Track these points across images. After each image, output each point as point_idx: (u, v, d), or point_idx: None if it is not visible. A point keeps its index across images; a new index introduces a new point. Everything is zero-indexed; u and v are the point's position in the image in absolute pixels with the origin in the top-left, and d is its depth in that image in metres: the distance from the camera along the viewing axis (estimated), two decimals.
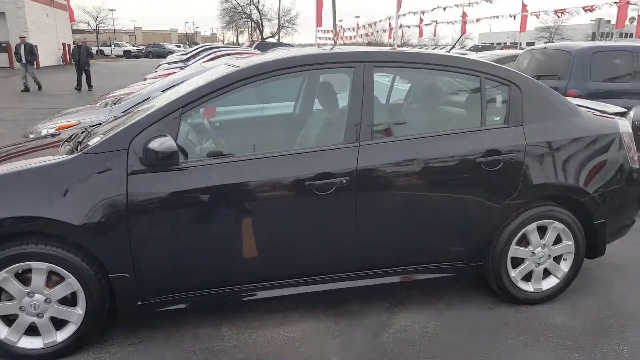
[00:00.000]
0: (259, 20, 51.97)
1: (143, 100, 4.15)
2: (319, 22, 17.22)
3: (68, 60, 27.86)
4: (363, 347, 2.45)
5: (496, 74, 2.73)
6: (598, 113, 3.09)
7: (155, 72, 11.81)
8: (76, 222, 2.14)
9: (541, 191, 2.72)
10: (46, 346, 2.30)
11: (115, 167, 2.20)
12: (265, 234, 2.40)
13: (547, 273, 2.86)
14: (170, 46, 49.32)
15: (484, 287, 2.92)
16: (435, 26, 24.87)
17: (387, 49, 3.24)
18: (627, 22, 20.65)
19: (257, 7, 51.52)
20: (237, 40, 58.74)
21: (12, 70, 14.58)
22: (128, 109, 3.88)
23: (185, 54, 16.08)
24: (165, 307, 2.40)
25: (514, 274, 2.78)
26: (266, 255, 2.44)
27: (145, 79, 9.11)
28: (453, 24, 21.17)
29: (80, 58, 14.52)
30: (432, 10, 20.05)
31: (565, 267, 2.85)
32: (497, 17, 19.14)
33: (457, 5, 19.43)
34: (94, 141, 2.34)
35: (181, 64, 11.77)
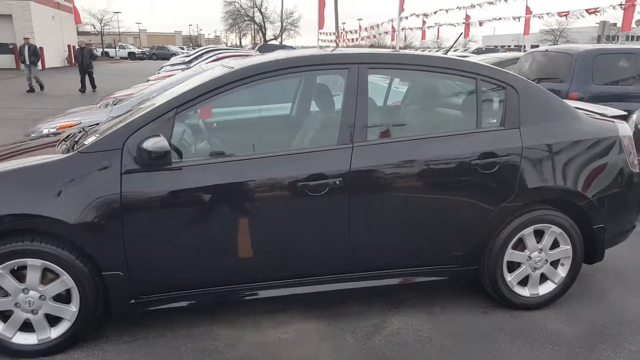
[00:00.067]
0: (262, 23, 52.10)
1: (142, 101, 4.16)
2: (321, 25, 17.23)
3: (73, 62, 28.10)
4: (355, 350, 2.45)
5: (492, 76, 2.72)
6: (597, 116, 3.07)
7: (158, 73, 11.86)
8: (70, 220, 2.15)
9: (538, 195, 2.70)
10: (40, 342, 2.31)
11: (109, 166, 2.21)
12: (258, 234, 2.40)
13: (544, 278, 2.84)
14: (174, 48, 49.51)
15: (480, 291, 2.91)
16: (439, 29, 24.82)
17: (382, 50, 3.22)
18: (633, 25, 20.53)
19: (260, 10, 51.70)
20: (240, 42, 58.88)
21: (18, 72, 14.74)
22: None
23: (188, 56, 16.14)
24: (158, 306, 2.40)
25: (509, 278, 2.76)
26: (258, 256, 2.44)
27: (148, 81, 9.14)
28: (455, 25, 21.13)
29: (83, 60, 14.61)
30: (434, 13, 20.03)
31: (562, 272, 2.84)
32: (499, 19, 19.09)
33: (459, 8, 19.40)
34: (89, 140, 2.35)
35: (183, 66, 11.81)
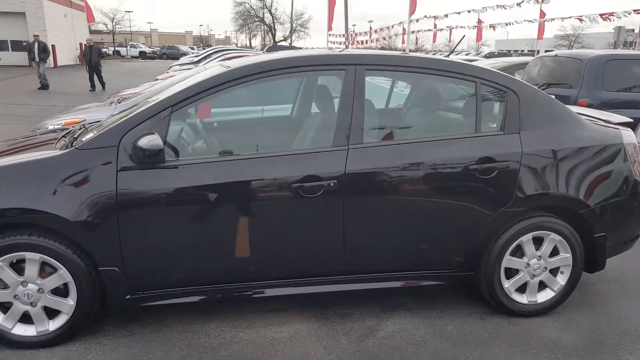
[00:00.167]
0: (272, 24, 52.28)
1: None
2: (330, 26, 17.25)
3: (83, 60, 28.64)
4: (348, 351, 2.45)
5: (493, 79, 2.70)
6: (602, 123, 3.04)
7: (167, 73, 11.97)
8: (67, 216, 2.18)
9: (537, 201, 2.68)
10: (39, 334, 2.36)
11: (105, 163, 2.24)
12: (251, 234, 2.41)
13: (542, 285, 2.81)
14: (184, 48, 49.78)
15: (478, 297, 2.89)
16: (450, 31, 24.63)
17: (381, 52, 3.21)
18: None
19: (269, 11, 51.91)
20: (250, 43, 59.13)
21: (31, 69, 14.96)
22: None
23: (197, 56, 16.26)
24: (153, 302, 2.43)
25: (507, 284, 2.74)
26: (252, 255, 2.45)
27: (157, 80, 9.22)
28: (464, 27, 20.93)
29: (91, 58, 14.66)
30: (445, 16, 19.88)
31: (562, 280, 2.81)
32: (511, 23, 18.88)
33: (469, 11, 19.23)
34: (86, 137, 2.39)
35: (192, 66, 11.91)
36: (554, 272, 2.81)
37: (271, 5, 52.03)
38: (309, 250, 2.51)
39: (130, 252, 2.30)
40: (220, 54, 13.06)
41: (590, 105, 5.61)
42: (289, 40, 49.95)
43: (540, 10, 19.53)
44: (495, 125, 2.74)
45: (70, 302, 2.33)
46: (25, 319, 2.34)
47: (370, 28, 30.84)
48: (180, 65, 14.35)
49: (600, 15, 15.16)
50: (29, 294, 2.28)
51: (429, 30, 25.38)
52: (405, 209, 2.54)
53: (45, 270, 2.28)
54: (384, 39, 28.51)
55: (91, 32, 36.56)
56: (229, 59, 9.79)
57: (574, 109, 3.16)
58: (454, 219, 2.60)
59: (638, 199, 2.87)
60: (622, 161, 2.81)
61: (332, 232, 2.48)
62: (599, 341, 2.60)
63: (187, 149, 2.63)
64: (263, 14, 52.41)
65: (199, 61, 13.38)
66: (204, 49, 36.38)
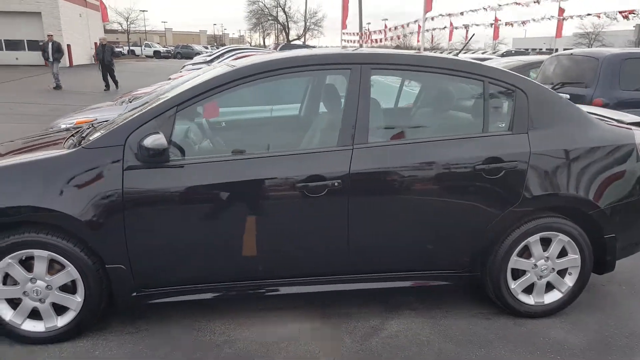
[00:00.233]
0: (285, 23, 52.33)
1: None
2: (344, 25, 17.21)
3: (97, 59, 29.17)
4: (351, 350, 2.45)
5: (501, 78, 2.66)
6: (614, 123, 2.98)
7: (180, 72, 12.09)
8: (74, 214, 2.22)
9: (545, 202, 2.64)
10: (47, 330, 2.41)
11: (111, 162, 2.27)
12: (256, 233, 2.42)
13: (550, 286, 2.77)
14: (198, 47, 50.11)
15: (484, 297, 2.86)
16: (467, 29, 24.38)
17: (388, 50, 3.19)
18: None
19: (283, 9, 51.97)
20: (264, 42, 59.27)
21: (47, 68, 15.22)
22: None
23: (210, 55, 16.36)
24: (159, 299, 2.46)
25: (514, 285, 2.71)
26: (256, 254, 2.47)
27: (169, 79, 9.32)
28: (479, 25, 20.69)
29: (104, 57, 14.74)
30: (460, 13, 19.67)
31: (570, 281, 2.76)
32: (529, 21, 18.62)
33: (485, 9, 19.01)
34: (94, 136, 2.42)
35: (204, 65, 12.00)
36: (562, 273, 2.76)
37: (285, 4, 52.21)
38: (313, 250, 2.52)
39: (137, 250, 2.33)
40: (232, 53, 13.12)
41: (606, 105, 5.51)
42: (302, 39, 49.97)
43: (559, 7, 19.21)
44: (503, 125, 2.71)
45: (78, 299, 2.37)
46: (34, 315, 2.39)
47: (385, 26, 30.66)
48: (193, 64, 14.45)
49: (620, 12, 14.82)
50: (38, 291, 2.33)
51: (444, 28, 25.18)
52: (410, 209, 2.53)
53: (53, 267, 2.33)
54: (399, 37, 28.33)
55: (106, 31, 37.08)
56: (241, 58, 9.88)
57: (586, 108, 3.11)
58: (459, 219, 2.58)
59: None
60: (635, 161, 2.76)
61: (336, 232, 2.48)
62: (606, 343, 2.56)
63: (193, 148, 2.66)
64: (277, 12, 52.56)
65: (211, 60, 13.47)
66: (217, 48, 36.65)
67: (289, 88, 3.69)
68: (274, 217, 2.43)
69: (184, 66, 15.44)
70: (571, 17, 18.27)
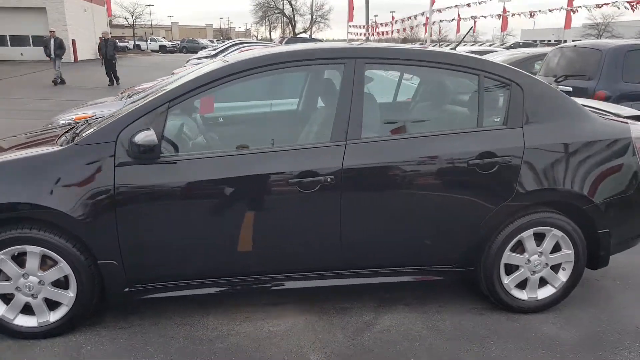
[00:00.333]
0: (292, 16, 52.10)
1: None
2: (350, 17, 17.10)
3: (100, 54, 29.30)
4: (343, 345, 2.46)
5: (496, 72, 2.64)
6: (610, 116, 2.95)
7: (184, 66, 12.07)
8: (66, 210, 2.24)
9: (539, 197, 2.62)
10: (40, 325, 2.43)
11: (103, 158, 2.28)
12: (249, 229, 2.43)
13: (543, 282, 2.76)
14: (204, 41, 49.94)
15: (478, 293, 2.86)
16: (475, 21, 24.11)
17: (382, 44, 3.17)
18: None
19: (289, 2, 51.71)
20: (270, 35, 59.06)
21: (51, 64, 15.23)
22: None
23: (214, 49, 16.30)
24: (150, 295, 2.48)
25: (507, 280, 2.70)
26: (249, 250, 2.47)
27: (173, 73, 9.32)
28: (486, 17, 20.46)
29: (107, 51, 14.69)
30: (467, 5, 19.47)
31: (563, 276, 2.75)
32: (537, 12, 18.39)
33: None
34: (86, 133, 2.43)
35: (208, 59, 11.97)
36: (555, 268, 2.75)
37: None
38: (307, 245, 2.52)
39: (128, 246, 2.35)
40: (237, 46, 13.08)
41: (608, 97, 5.44)
42: (309, 32, 49.76)
43: None
44: (498, 120, 2.68)
45: (71, 294, 2.40)
46: (27, 310, 2.42)
47: (392, 18, 30.37)
48: (197, 59, 14.44)
49: (628, 2, 14.59)
50: (30, 286, 2.36)
51: (452, 20, 24.91)
52: (403, 204, 2.52)
53: (46, 263, 2.35)
54: (405, 29, 28.10)
55: (112, 26, 37.14)
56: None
57: (582, 102, 3.07)
58: (453, 214, 2.57)
59: None
60: (631, 156, 2.73)
61: (329, 227, 2.48)
62: (598, 338, 2.55)
63: (186, 144, 2.66)
64: (283, 5, 52.35)
65: (216, 54, 13.44)
66: (223, 42, 36.59)
67: (285, 83, 3.68)
68: (268, 213, 2.43)
69: (188, 60, 15.42)
70: (579, 7, 18.01)
